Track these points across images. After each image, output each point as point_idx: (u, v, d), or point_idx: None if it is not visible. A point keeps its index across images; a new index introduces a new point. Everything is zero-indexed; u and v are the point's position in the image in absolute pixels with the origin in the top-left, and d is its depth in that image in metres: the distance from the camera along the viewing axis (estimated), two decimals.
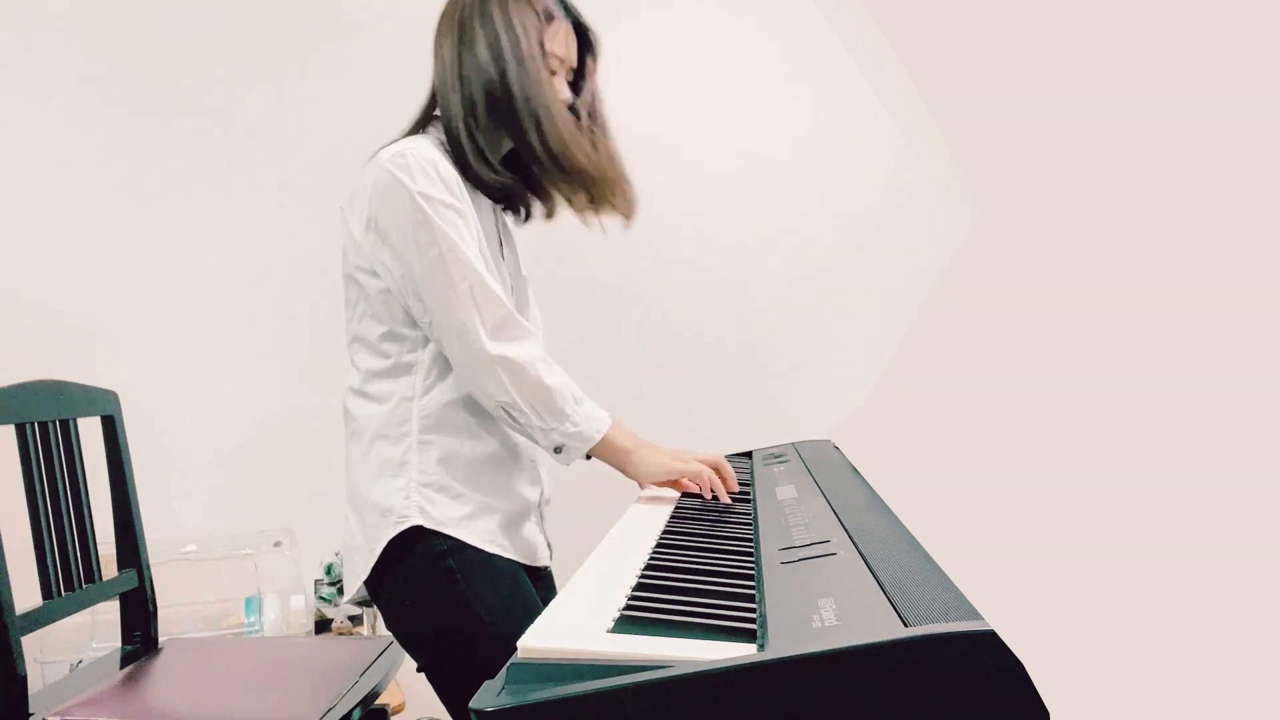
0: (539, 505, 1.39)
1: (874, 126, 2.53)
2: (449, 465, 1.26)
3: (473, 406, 1.28)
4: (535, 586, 1.34)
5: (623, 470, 1.32)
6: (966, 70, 2.38)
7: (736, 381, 2.52)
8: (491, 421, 1.29)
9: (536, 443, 1.27)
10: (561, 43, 1.31)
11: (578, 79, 1.36)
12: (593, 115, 1.38)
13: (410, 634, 1.29)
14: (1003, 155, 2.34)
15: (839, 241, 2.54)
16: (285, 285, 2.36)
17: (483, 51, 1.26)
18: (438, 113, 1.33)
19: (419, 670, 1.31)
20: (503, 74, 1.25)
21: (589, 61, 1.36)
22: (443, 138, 1.31)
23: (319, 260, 2.33)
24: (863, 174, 2.54)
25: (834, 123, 2.53)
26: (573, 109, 1.34)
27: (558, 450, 1.26)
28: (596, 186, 1.32)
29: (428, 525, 1.23)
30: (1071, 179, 2.30)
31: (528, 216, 1.44)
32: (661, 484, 1.38)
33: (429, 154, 1.24)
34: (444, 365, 1.27)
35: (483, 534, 1.26)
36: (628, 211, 1.38)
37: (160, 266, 2.31)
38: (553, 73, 1.30)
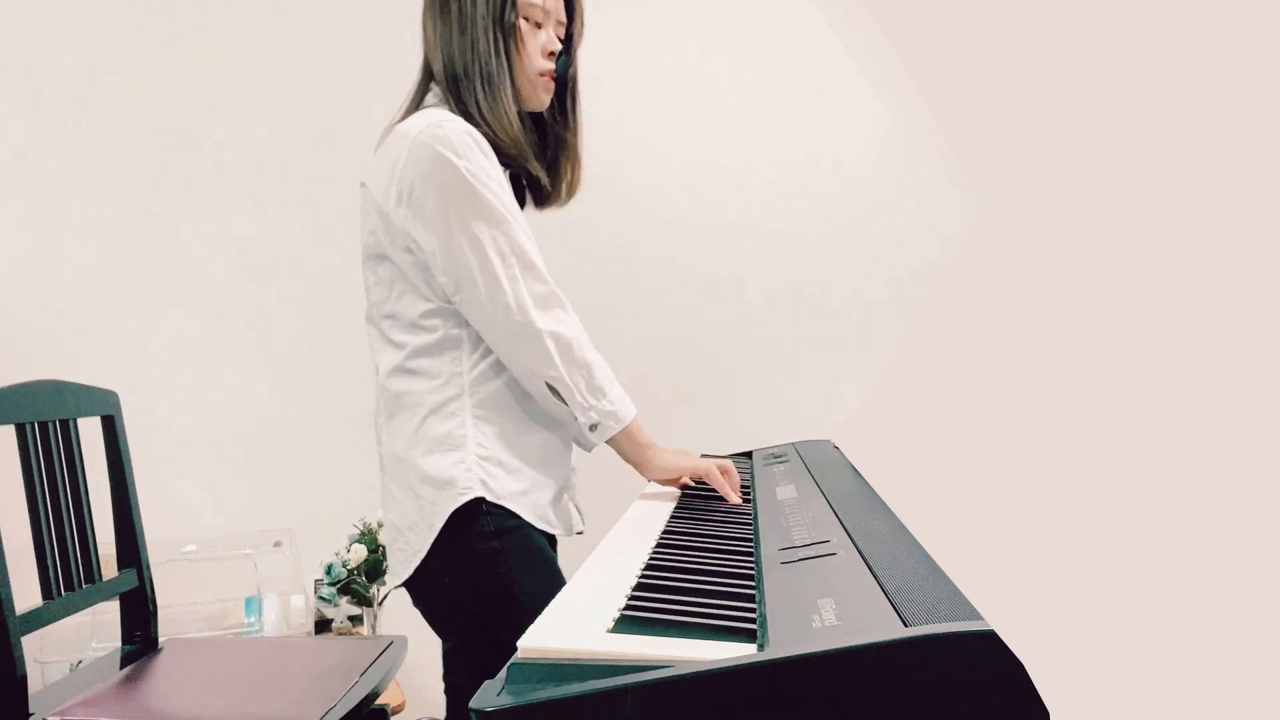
0: (569, 476, 1.40)
1: (874, 126, 2.53)
2: (505, 441, 1.26)
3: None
4: None
5: (638, 464, 1.34)
6: (967, 69, 2.39)
7: (736, 381, 2.52)
8: None
9: (574, 418, 1.28)
10: None
11: (563, 44, 1.36)
12: (569, 93, 1.39)
13: (445, 612, 1.29)
14: (1004, 156, 2.35)
15: (839, 241, 2.54)
16: (286, 285, 2.36)
17: (452, 18, 1.27)
18: (433, 85, 1.33)
19: (446, 651, 1.31)
20: (464, 42, 1.26)
21: (575, 22, 1.36)
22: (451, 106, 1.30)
23: (320, 260, 2.33)
24: (862, 173, 2.54)
25: (834, 121, 2.53)
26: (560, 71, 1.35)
27: (593, 428, 1.27)
28: (518, 161, 1.32)
29: (489, 498, 1.23)
30: (1072, 179, 2.30)
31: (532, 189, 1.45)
32: (666, 482, 1.39)
33: (462, 124, 1.23)
34: None
35: (535, 509, 1.28)
36: (559, 196, 1.43)
37: (160, 266, 2.31)
38: (537, 25, 1.30)
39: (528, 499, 1.27)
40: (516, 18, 1.28)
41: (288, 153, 2.35)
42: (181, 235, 2.32)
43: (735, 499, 1.35)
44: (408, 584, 1.30)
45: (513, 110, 1.29)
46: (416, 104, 1.34)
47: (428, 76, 1.34)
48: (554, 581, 1.28)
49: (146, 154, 2.30)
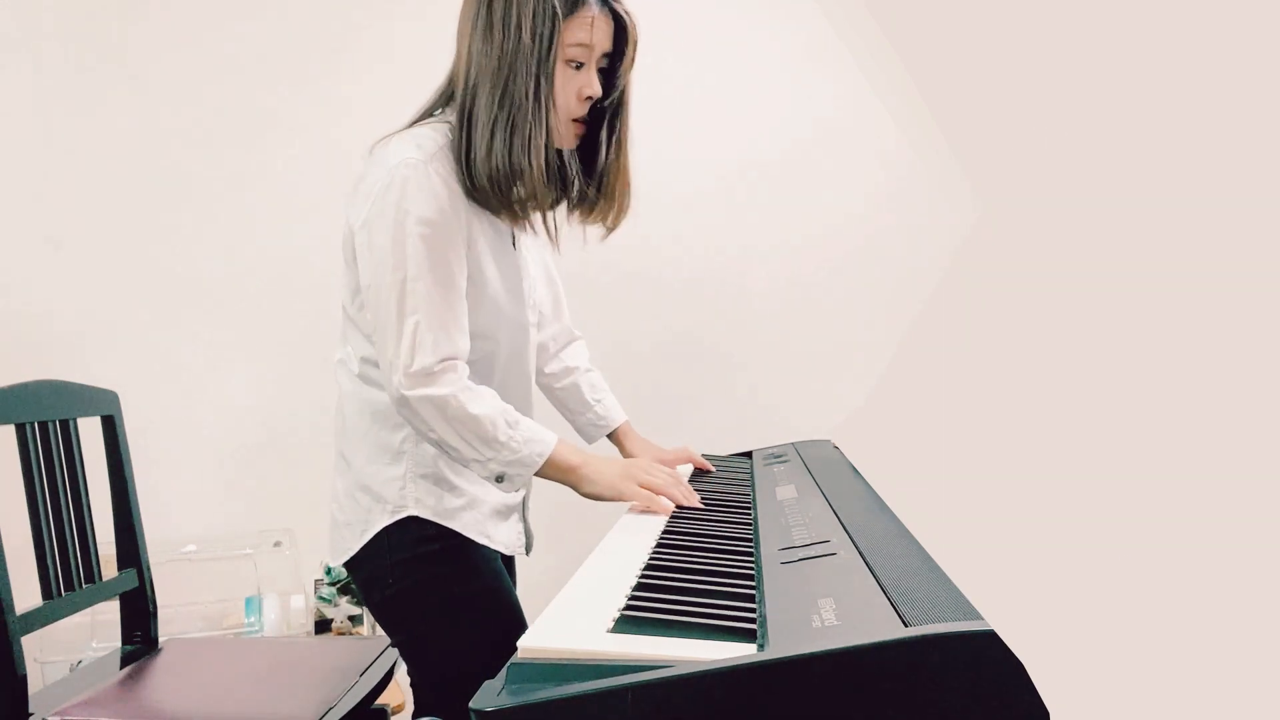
0: (523, 502, 1.40)
1: (875, 126, 2.52)
2: (445, 457, 1.26)
3: None
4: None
5: (575, 488, 1.26)
6: (965, 71, 2.39)
7: (736, 381, 2.52)
8: None
9: (477, 474, 1.24)
10: (588, 30, 1.20)
11: (610, 74, 1.27)
12: (613, 119, 1.30)
13: (392, 612, 1.30)
14: (1003, 156, 2.35)
15: (839, 241, 2.54)
16: (284, 285, 2.36)
17: (493, 47, 1.18)
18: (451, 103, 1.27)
19: (392, 645, 1.32)
20: (498, 79, 1.18)
21: (625, 56, 1.26)
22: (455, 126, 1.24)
23: (318, 260, 2.33)
24: (863, 174, 2.53)
25: (834, 122, 2.53)
26: (597, 106, 1.28)
27: (499, 479, 1.21)
28: (538, 204, 1.28)
29: (423, 515, 1.25)
30: (1070, 180, 2.30)
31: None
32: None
33: (435, 165, 1.19)
34: None
35: (472, 525, 1.28)
36: (609, 224, 1.36)
37: (159, 266, 2.31)
38: (578, 65, 1.22)
39: (467, 515, 1.27)
40: (556, 62, 1.19)
41: (289, 153, 2.35)
42: (182, 235, 2.32)
43: (694, 501, 1.28)
44: (357, 583, 1.32)
45: (539, 161, 1.20)
46: (426, 114, 1.30)
47: (448, 89, 1.28)
48: (499, 582, 1.29)
49: (147, 154, 2.30)
